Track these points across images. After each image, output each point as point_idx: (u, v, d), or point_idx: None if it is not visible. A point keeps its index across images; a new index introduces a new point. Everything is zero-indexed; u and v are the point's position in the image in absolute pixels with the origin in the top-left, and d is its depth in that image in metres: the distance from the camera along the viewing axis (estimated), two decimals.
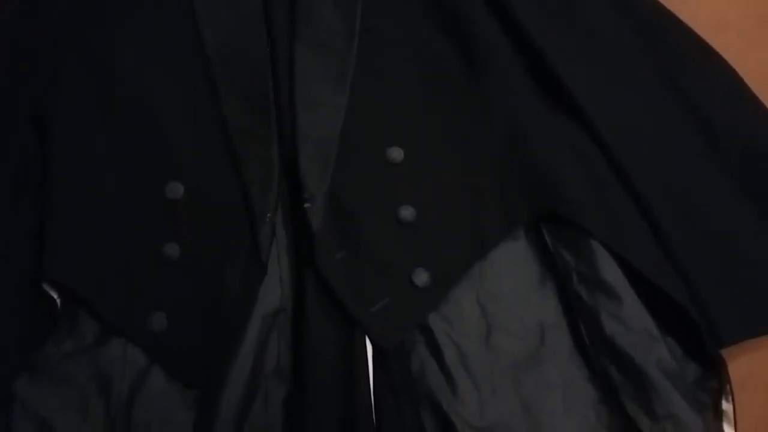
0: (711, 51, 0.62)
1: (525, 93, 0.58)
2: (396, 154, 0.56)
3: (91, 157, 0.57)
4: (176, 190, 0.56)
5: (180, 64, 0.60)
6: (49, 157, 0.57)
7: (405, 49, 0.60)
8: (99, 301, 0.53)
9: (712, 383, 0.52)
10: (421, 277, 0.53)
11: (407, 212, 0.55)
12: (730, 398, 0.51)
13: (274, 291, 0.54)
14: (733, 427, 0.51)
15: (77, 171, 0.56)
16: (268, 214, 0.55)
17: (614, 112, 0.58)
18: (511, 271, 0.55)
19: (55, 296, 0.53)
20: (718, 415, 0.51)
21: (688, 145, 0.59)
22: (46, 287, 0.53)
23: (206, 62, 0.60)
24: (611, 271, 0.53)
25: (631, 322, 0.51)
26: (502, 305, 0.54)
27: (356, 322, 0.52)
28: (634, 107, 0.59)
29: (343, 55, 0.59)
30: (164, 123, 0.58)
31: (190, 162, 0.57)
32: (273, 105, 0.58)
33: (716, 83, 0.61)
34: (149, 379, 0.52)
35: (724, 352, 0.52)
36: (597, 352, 0.52)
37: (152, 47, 0.61)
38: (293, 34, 0.59)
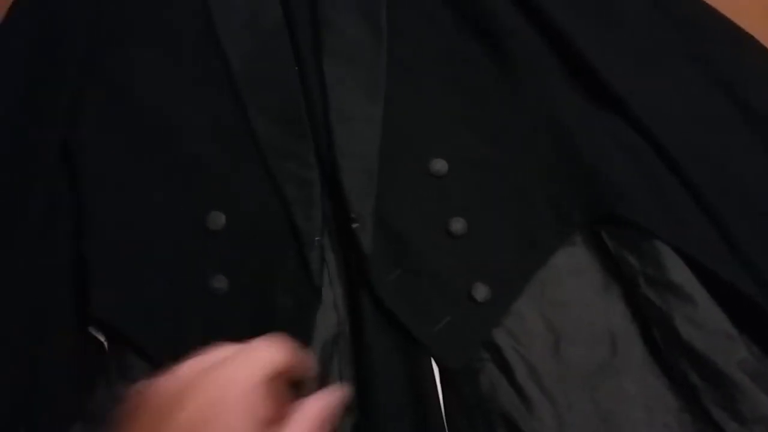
0: (745, 34, 0.60)
1: (563, 90, 0.56)
2: (440, 165, 0.54)
3: (124, 188, 0.55)
4: (218, 219, 0.54)
5: (204, 85, 0.58)
6: (81, 190, 0.54)
7: (436, 54, 0.58)
8: (147, 341, 0.50)
9: None
10: (481, 292, 0.51)
11: (458, 225, 0.53)
12: None
13: (330, 317, 0.52)
14: None
15: (112, 203, 0.54)
16: (317, 238, 0.52)
17: (655, 102, 0.56)
18: (572, 278, 0.53)
19: (102, 339, 0.50)
20: None
21: (733, 133, 0.57)
22: (92, 330, 0.50)
23: (232, 82, 0.58)
24: (680, 272, 0.51)
25: (707, 324, 0.49)
26: (567, 314, 0.52)
27: (419, 343, 0.50)
28: (674, 96, 0.57)
29: (373, 64, 0.57)
30: (195, 149, 0.56)
31: (227, 188, 0.55)
32: (307, 121, 0.56)
33: (754, 67, 0.59)
34: None
35: None
36: (674, 358, 0.50)
37: (174, 69, 0.59)
38: (319, 47, 0.58)
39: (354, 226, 0.52)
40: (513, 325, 0.52)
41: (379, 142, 0.55)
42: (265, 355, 0.36)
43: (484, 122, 0.56)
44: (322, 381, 0.50)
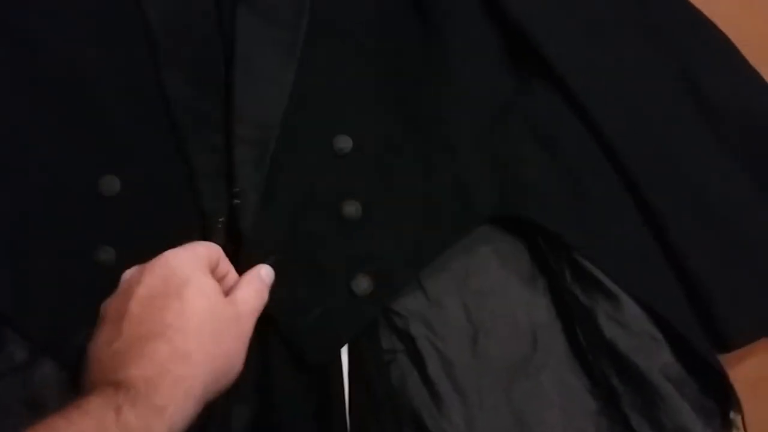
0: (704, 19, 0.56)
1: (494, 72, 0.52)
2: (344, 143, 0.49)
3: (9, 141, 0.49)
4: (112, 184, 0.48)
5: (117, 37, 0.52)
6: None
7: (364, 23, 0.53)
8: (24, 317, 0.45)
9: (719, 389, 0.47)
10: (361, 284, 0.47)
11: (351, 208, 0.48)
12: (737, 406, 0.46)
13: None
14: None
15: None
16: (221, 219, 0.47)
17: (600, 83, 0.52)
18: (499, 268, 0.49)
19: None
20: (727, 424, 0.46)
21: (681, 118, 0.53)
22: None
23: (148, 34, 0.52)
24: None
25: (631, 325, 0.46)
26: (489, 306, 0.48)
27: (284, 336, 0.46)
28: (620, 77, 0.53)
29: (293, 25, 0.52)
30: (99, 104, 0.50)
31: (128, 151, 0.49)
32: (224, 82, 0.51)
33: (710, 53, 0.56)
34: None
35: (734, 354, 0.48)
36: (596, 357, 0.47)
37: (84, 15, 0.53)
38: None
39: (235, 202, 0.47)
40: (430, 315, 0.48)
41: (284, 110, 0.50)
42: (203, 247, 0.44)
43: (399, 103, 0.51)
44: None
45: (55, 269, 0.46)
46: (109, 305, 0.42)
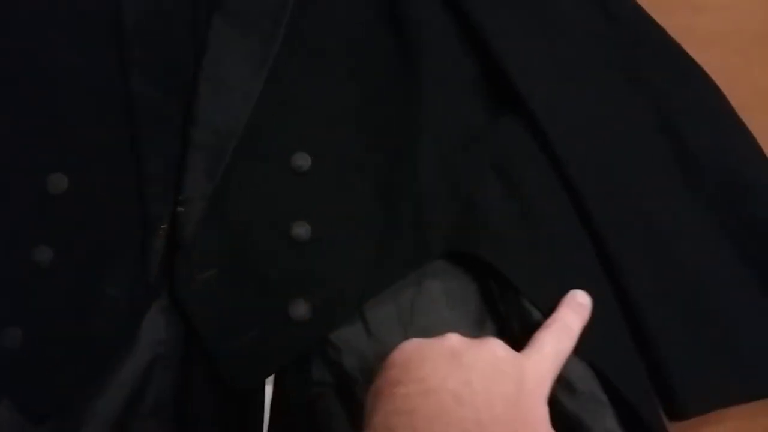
0: (694, 66, 0.54)
1: (470, 99, 0.50)
2: (302, 161, 0.47)
3: None
4: (59, 182, 0.47)
5: (87, 34, 0.52)
6: None
7: (340, 37, 0.51)
8: None
9: None
10: (299, 310, 0.44)
11: (301, 230, 0.46)
12: None
13: (160, 317, 0.45)
14: None
15: None
16: (163, 225, 0.46)
17: (570, 120, 0.50)
18: (447, 308, 0.46)
19: None
20: None
21: (656, 173, 0.50)
22: None
23: (120, 35, 0.51)
24: None
25: (576, 383, 0.43)
26: None
27: (211, 357, 0.43)
28: (599, 122, 0.51)
29: (268, 34, 0.50)
30: (59, 100, 0.49)
31: (81, 149, 0.48)
32: (190, 88, 0.49)
33: (696, 106, 0.53)
34: None
35: (687, 423, 0.44)
36: None
37: (55, 12, 0.52)
38: (213, 2, 0.51)
39: (179, 209, 0.46)
40: (368, 349, 0.45)
41: (246, 120, 0.48)
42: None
43: (365, 124, 0.49)
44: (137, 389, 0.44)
45: None
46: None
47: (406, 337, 0.45)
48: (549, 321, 0.41)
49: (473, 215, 0.46)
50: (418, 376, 0.35)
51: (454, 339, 0.38)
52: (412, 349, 0.38)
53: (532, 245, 0.45)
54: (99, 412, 0.42)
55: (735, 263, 0.48)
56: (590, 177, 0.48)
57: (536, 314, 0.44)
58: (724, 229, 0.49)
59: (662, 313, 0.46)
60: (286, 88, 0.50)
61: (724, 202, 0.49)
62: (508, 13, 0.52)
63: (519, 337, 0.45)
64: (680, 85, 0.52)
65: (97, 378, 0.43)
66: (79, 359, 0.43)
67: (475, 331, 0.46)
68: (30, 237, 0.46)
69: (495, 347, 0.38)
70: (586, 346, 0.43)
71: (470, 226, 0.46)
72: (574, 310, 0.42)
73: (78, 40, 0.51)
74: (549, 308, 0.43)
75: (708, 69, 0.53)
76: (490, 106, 0.50)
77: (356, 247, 0.46)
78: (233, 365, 0.44)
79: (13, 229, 0.46)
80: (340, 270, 0.46)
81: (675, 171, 0.51)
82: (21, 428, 0.42)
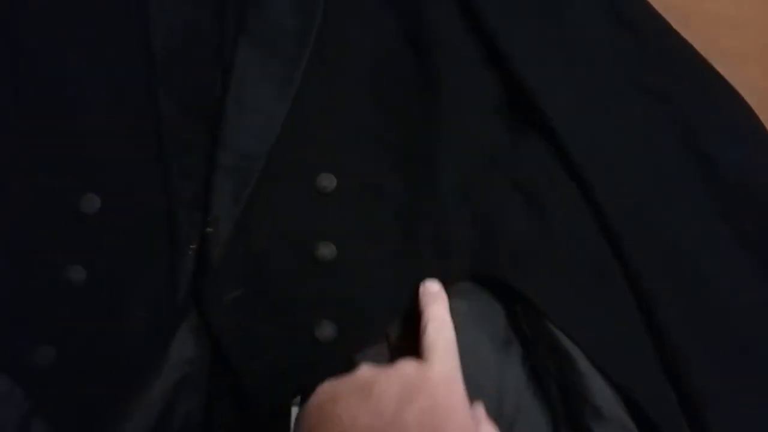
0: (721, 81, 0.53)
1: (492, 121, 0.50)
2: (327, 182, 0.48)
3: None
4: (92, 203, 0.48)
5: (116, 55, 0.53)
6: None
7: (364, 60, 0.52)
8: None
9: None
10: (325, 330, 0.45)
11: (326, 250, 0.46)
12: None
13: (188, 344, 0.46)
14: None
15: None
16: (192, 246, 0.47)
17: (593, 139, 0.49)
18: (473, 329, 0.46)
19: None
20: None
21: (684, 195, 0.50)
22: None
23: (149, 57, 0.52)
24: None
25: (602, 408, 0.42)
26: None
27: (238, 376, 0.44)
28: (622, 141, 0.50)
29: (293, 58, 0.51)
30: (88, 123, 0.51)
31: (112, 171, 0.49)
32: (217, 110, 0.50)
33: (721, 116, 0.52)
34: (33, 427, 0.43)
35: None
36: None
37: (84, 35, 0.53)
38: (240, 26, 0.51)
39: (208, 230, 0.46)
40: None
41: (272, 143, 0.49)
42: None
43: (390, 145, 0.50)
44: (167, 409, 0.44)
45: (22, 283, 0.46)
46: None
47: None
48: (423, 323, 0.42)
49: (495, 238, 0.46)
50: (332, 420, 0.36)
51: (364, 371, 0.39)
52: (323, 392, 0.38)
53: (555, 268, 0.45)
54: (129, 430, 0.43)
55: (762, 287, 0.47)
56: (615, 198, 0.47)
57: (562, 337, 0.43)
58: (755, 259, 0.48)
59: (693, 342, 0.45)
60: (310, 109, 0.50)
61: (757, 229, 0.48)
62: (529, 32, 0.52)
63: (545, 360, 0.45)
64: (706, 101, 0.52)
65: (128, 396, 0.44)
66: (110, 378, 0.44)
67: (499, 352, 0.46)
68: (63, 256, 0.47)
69: (404, 367, 0.38)
70: (614, 369, 0.42)
71: (493, 249, 0.46)
72: (436, 301, 0.43)
73: (108, 63, 0.53)
74: (574, 333, 0.43)
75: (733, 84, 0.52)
76: (513, 126, 0.50)
77: (380, 268, 0.47)
78: (259, 384, 0.44)
79: (46, 248, 0.47)
80: (365, 290, 0.46)
81: (703, 192, 0.50)
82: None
